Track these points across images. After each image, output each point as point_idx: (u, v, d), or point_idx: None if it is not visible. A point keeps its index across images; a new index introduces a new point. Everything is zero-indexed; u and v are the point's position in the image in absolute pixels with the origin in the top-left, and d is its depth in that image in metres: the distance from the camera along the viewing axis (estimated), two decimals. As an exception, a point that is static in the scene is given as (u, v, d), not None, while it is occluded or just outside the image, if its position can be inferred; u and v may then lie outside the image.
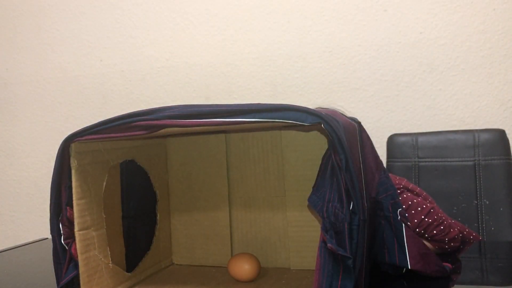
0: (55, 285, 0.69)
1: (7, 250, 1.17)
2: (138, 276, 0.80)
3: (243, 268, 0.77)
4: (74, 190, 0.67)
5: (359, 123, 0.72)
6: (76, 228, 0.67)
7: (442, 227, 0.79)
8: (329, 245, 0.56)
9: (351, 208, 0.57)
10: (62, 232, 0.67)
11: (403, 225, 0.69)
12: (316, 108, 0.67)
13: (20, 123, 1.99)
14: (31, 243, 1.25)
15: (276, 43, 1.67)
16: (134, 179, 0.83)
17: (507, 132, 1.16)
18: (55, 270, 0.69)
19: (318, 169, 0.64)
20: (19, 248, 1.19)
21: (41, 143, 1.97)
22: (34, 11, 1.96)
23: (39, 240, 1.28)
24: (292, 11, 1.66)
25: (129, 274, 0.78)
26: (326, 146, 0.75)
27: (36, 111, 1.97)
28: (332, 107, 0.85)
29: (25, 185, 1.98)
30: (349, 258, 0.55)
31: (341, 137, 0.56)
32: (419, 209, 0.78)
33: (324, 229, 0.57)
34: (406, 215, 0.71)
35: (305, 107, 0.58)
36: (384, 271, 0.74)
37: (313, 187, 0.63)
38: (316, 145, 0.80)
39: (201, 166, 0.89)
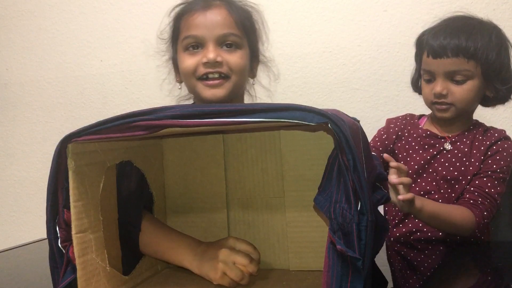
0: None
1: (7, 250, 1.17)
2: (135, 279, 0.79)
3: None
4: (71, 192, 0.66)
5: (359, 123, 0.72)
6: (73, 231, 0.66)
7: None
8: (338, 246, 0.55)
9: (359, 208, 0.56)
10: (59, 235, 0.66)
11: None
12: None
13: (20, 123, 1.99)
14: (31, 243, 1.25)
15: (276, 43, 1.67)
16: (130, 180, 0.82)
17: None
18: (51, 275, 0.67)
19: (317, 169, 0.63)
20: (19, 248, 1.19)
21: (41, 144, 1.97)
22: (34, 11, 1.96)
23: (39, 240, 1.27)
24: (292, 11, 1.66)
25: (126, 277, 0.77)
26: (325, 146, 0.75)
27: (36, 111, 1.97)
28: None
29: (25, 185, 1.98)
30: (359, 259, 0.54)
31: (348, 137, 0.55)
32: None
33: (332, 230, 0.56)
34: None
35: (311, 107, 0.57)
36: None
37: (318, 188, 0.63)
38: (315, 145, 0.79)
39: (198, 167, 0.88)
